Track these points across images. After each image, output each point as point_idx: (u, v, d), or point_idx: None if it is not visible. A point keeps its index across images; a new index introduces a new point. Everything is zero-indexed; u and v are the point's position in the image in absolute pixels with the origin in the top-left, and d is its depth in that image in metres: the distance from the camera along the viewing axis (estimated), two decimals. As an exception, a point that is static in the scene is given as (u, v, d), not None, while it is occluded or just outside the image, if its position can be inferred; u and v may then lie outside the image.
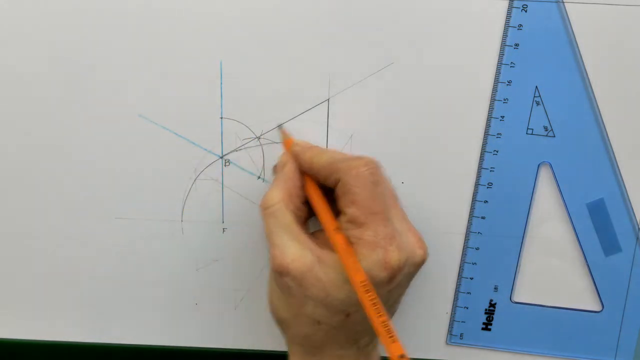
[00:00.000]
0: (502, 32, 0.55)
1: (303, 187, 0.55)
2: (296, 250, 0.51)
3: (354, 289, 0.48)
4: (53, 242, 0.62)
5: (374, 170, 0.50)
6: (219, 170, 0.60)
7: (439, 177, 0.59)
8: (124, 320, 0.65)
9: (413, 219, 0.58)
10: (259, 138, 0.59)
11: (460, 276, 0.62)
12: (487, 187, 0.59)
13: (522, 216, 0.60)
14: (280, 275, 0.51)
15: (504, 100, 0.57)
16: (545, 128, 0.57)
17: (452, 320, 0.64)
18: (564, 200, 0.59)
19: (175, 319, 0.65)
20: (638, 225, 0.59)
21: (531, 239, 0.61)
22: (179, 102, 0.58)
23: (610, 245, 0.60)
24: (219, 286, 0.63)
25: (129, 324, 0.65)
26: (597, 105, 0.56)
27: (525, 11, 0.54)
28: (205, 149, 0.59)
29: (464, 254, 0.62)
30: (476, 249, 0.61)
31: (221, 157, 0.59)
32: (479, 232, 0.61)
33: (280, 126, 0.58)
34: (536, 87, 0.57)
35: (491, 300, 0.63)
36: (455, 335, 0.64)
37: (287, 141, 0.57)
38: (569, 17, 0.54)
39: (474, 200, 0.60)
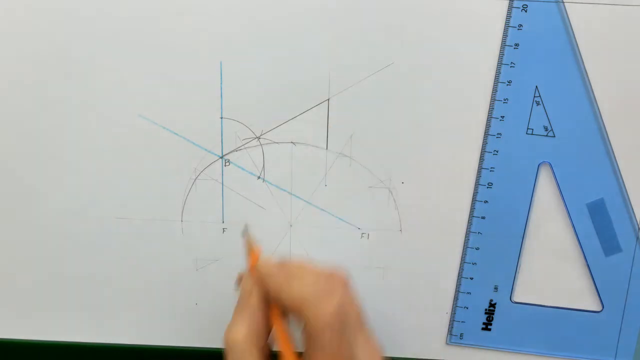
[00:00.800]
0: (502, 32, 0.55)
1: (269, 317, 0.52)
2: None
3: None
4: (53, 242, 0.62)
5: (341, 314, 0.48)
6: (219, 170, 0.60)
7: (439, 177, 0.59)
8: (124, 320, 0.65)
9: (413, 218, 0.59)
10: (259, 138, 0.59)
11: (460, 276, 0.62)
12: (487, 187, 0.59)
13: (522, 216, 0.60)
14: None
15: (504, 100, 0.57)
16: (545, 128, 0.57)
17: (452, 320, 0.64)
18: (564, 200, 0.59)
19: (175, 319, 0.65)
20: (638, 225, 0.59)
21: (531, 238, 0.61)
22: (179, 102, 0.58)
23: (610, 245, 0.60)
24: (219, 286, 0.64)
25: (129, 324, 0.65)
26: (597, 105, 0.56)
27: (525, 11, 0.54)
28: (205, 149, 0.59)
29: (464, 254, 0.62)
30: (476, 249, 0.61)
31: (221, 157, 0.59)
32: (479, 232, 0.61)
33: (244, 229, 0.58)
34: (536, 87, 0.57)
35: (491, 300, 0.63)
36: (455, 335, 0.64)
37: (252, 255, 0.54)
38: (569, 17, 0.54)
39: (474, 200, 0.60)
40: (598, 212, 0.59)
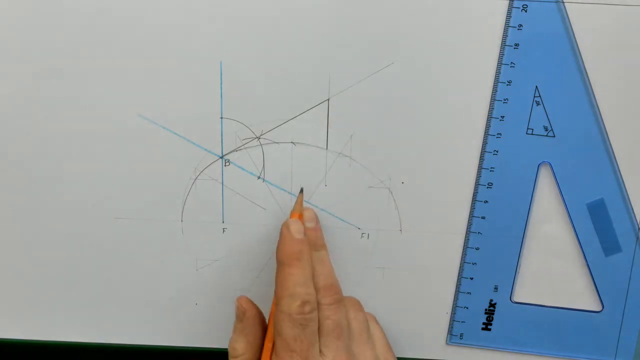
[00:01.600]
0: (502, 32, 0.55)
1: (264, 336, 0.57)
2: None
3: None
4: (53, 242, 0.62)
5: (307, 312, 0.53)
6: (219, 170, 0.60)
7: (439, 177, 0.59)
8: (124, 320, 0.65)
9: (413, 218, 0.59)
10: (259, 138, 0.59)
11: (460, 276, 0.62)
12: (487, 187, 0.59)
13: (522, 216, 0.60)
14: None
15: (504, 100, 0.57)
16: (545, 128, 0.57)
17: (452, 320, 0.64)
18: (564, 200, 0.59)
19: (175, 319, 0.65)
20: (638, 225, 0.59)
21: (531, 239, 0.61)
22: (179, 102, 0.58)
23: (610, 245, 0.60)
24: (219, 286, 0.64)
25: (129, 324, 0.65)
26: (597, 105, 0.57)
27: (525, 11, 0.54)
28: (205, 149, 0.59)
29: (464, 254, 0.62)
30: (476, 249, 0.61)
31: (221, 157, 0.59)
32: (479, 232, 0.61)
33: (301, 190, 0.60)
34: (536, 87, 0.57)
35: (491, 300, 0.63)
36: (455, 335, 0.64)
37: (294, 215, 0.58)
38: (569, 17, 0.54)
39: (474, 200, 0.60)
40: (598, 212, 0.59)
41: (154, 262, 0.63)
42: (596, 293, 0.62)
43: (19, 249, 0.63)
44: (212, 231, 0.62)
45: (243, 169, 0.60)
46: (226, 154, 0.59)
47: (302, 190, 0.60)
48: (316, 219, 0.59)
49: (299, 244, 0.54)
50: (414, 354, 0.64)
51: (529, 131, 0.58)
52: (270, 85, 0.58)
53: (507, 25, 0.55)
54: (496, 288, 0.62)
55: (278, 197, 0.60)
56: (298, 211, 0.58)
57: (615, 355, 0.63)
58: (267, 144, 0.59)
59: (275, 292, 0.54)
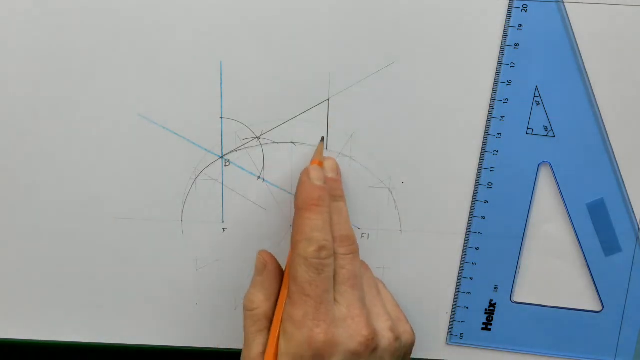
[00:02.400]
0: (502, 32, 0.55)
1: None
2: (261, 352, 0.54)
3: None
4: (53, 242, 0.62)
5: (323, 258, 0.53)
6: (219, 170, 0.60)
7: (439, 177, 0.59)
8: (124, 320, 0.65)
9: (413, 218, 0.59)
10: (259, 138, 0.59)
11: (460, 276, 0.62)
12: (487, 187, 0.59)
13: (522, 216, 0.60)
14: None
15: (504, 100, 0.57)
16: (545, 128, 0.57)
17: (452, 320, 0.64)
18: (564, 200, 0.59)
19: (175, 319, 0.65)
20: (638, 225, 0.59)
21: (531, 239, 0.61)
22: (179, 102, 0.58)
23: (610, 245, 0.60)
24: (219, 286, 0.64)
25: (129, 324, 0.65)
26: (597, 105, 0.57)
27: (525, 11, 0.54)
28: (205, 149, 0.59)
29: (464, 254, 0.62)
30: (476, 249, 0.61)
31: (221, 157, 0.59)
32: (479, 232, 0.61)
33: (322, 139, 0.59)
34: (536, 87, 0.57)
35: (491, 300, 0.63)
36: (455, 335, 0.64)
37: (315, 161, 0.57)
38: (569, 17, 0.54)
39: (474, 200, 0.60)
40: (598, 212, 0.59)
41: (154, 262, 0.63)
42: (596, 293, 0.62)
43: (18, 249, 0.63)
44: (212, 231, 0.62)
45: (243, 169, 0.60)
46: (226, 154, 0.59)
47: (322, 139, 0.59)
48: (337, 170, 0.59)
49: (318, 190, 0.54)
50: (414, 354, 0.64)
51: (529, 131, 0.58)
52: (270, 85, 0.58)
53: (507, 25, 0.55)
54: (496, 288, 0.62)
55: (278, 197, 0.61)
56: (319, 159, 0.57)
57: (615, 355, 0.63)
58: (267, 144, 0.59)
59: (292, 236, 0.53)
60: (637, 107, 0.56)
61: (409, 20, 0.55)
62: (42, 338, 0.66)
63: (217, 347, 0.66)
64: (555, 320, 0.63)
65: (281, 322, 0.53)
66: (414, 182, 0.60)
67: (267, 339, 0.54)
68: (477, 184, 0.59)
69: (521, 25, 0.55)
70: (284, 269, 0.56)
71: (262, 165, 0.60)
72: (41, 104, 0.58)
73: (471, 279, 0.62)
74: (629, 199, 0.59)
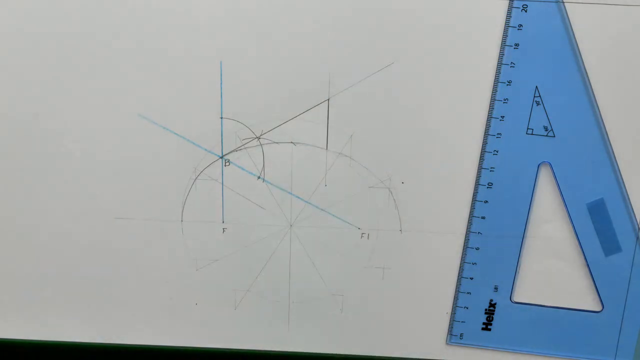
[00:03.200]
0: (502, 32, 0.55)
1: None
2: None
3: None
4: (53, 242, 0.63)
5: None
6: (219, 170, 0.60)
7: (439, 177, 0.60)
8: (124, 320, 0.65)
9: (413, 218, 0.59)
10: (259, 138, 0.59)
11: (460, 276, 0.63)
12: (487, 187, 0.59)
13: (522, 216, 0.60)
14: None
15: (504, 100, 0.57)
16: (545, 128, 0.57)
17: (452, 320, 0.64)
18: (564, 200, 0.59)
19: (175, 319, 0.65)
20: (638, 225, 0.59)
21: (531, 239, 0.61)
22: (179, 102, 0.58)
23: (610, 245, 0.60)
24: (219, 286, 0.64)
25: (129, 324, 0.65)
26: (597, 105, 0.57)
27: (525, 11, 0.54)
28: (205, 149, 0.59)
29: (464, 254, 0.62)
30: (476, 249, 0.61)
31: (221, 157, 0.60)
32: (479, 232, 0.61)
33: None
34: (536, 87, 0.57)
35: (491, 300, 0.63)
36: (455, 335, 0.64)
37: None
38: (569, 17, 0.54)
39: (474, 200, 0.60)
40: (598, 212, 0.59)
41: (154, 262, 0.63)
42: (596, 293, 0.62)
43: (19, 249, 0.63)
44: (212, 231, 0.62)
45: (243, 169, 0.60)
46: (226, 154, 0.59)
47: None
48: None
49: None
50: (414, 354, 0.65)
51: (529, 131, 0.58)
52: (270, 85, 0.58)
53: (507, 25, 0.55)
54: (496, 288, 0.62)
55: (278, 197, 0.61)
56: None
57: (615, 355, 0.63)
58: (267, 144, 0.59)
59: None
60: (637, 107, 0.57)
61: (408, 20, 0.55)
62: (42, 338, 0.66)
63: (217, 347, 0.66)
64: (555, 320, 0.63)
65: None
66: (414, 182, 0.60)
67: None
68: (477, 184, 0.60)
69: (521, 25, 0.55)
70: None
71: (262, 165, 0.60)
72: (41, 104, 0.58)
73: (471, 279, 0.62)
74: (629, 199, 0.59)
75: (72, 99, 0.58)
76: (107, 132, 0.59)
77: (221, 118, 0.58)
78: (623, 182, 0.59)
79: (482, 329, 0.64)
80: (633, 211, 0.59)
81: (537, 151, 0.58)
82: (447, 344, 0.65)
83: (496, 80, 0.57)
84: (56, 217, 0.62)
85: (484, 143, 0.58)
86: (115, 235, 0.62)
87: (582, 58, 0.56)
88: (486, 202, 0.60)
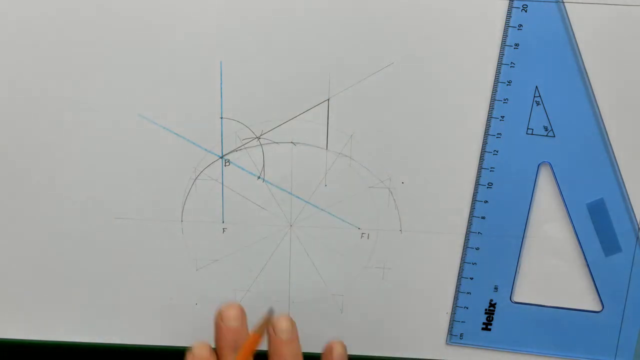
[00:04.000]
0: (502, 32, 0.55)
1: None
2: None
3: None
4: (53, 242, 0.63)
5: None
6: (219, 170, 0.60)
7: (439, 177, 0.60)
8: (124, 320, 0.65)
9: (413, 218, 0.59)
10: (259, 138, 0.59)
11: (460, 276, 0.63)
12: (487, 187, 0.59)
13: (522, 216, 0.60)
14: None
15: (504, 100, 0.57)
16: (545, 128, 0.58)
17: (452, 320, 0.64)
18: (564, 200, 0.60)
19: (175, 319, 0.65)
20: (638, 225, 0.59)
21: (531, 239, 0.61)
22: (179, 102, 0.58)
23: (610, 245, 0.60)
24: (219, 286, 0.64)
25: (129, 324, 0.65)
26: (597, 105, 0.57)
27: (525, 11, 0.55)
28: (205, 149, 0.59)
29: (464, 254, 0.62)
30: (476, 249, 0.61)
31: (221, 157, 0.60)
32: (479, 232, 0.61)
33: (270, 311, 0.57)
34: (536, 87, 0.57)
35: (491, 300, 0.63)
36: (455, 335, 0.65)
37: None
38: (569, 17, 0.55)
39: (474, 200, 0.60)
40: (598, 212, 0.59)
41: (154, 262, 0.63)
42: (596, 293, 0.62)
43: (19, 249, 0.63)
44: (212, 231, 0.62)
45: (243, 169, 0.60)
46: (226, 154, 0.60)
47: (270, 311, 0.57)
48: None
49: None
50: (413, 354, 0.65)
51: (529, 131, 0.58)
52: (270, 85, 0.58)
53: (507, 25, 0.55)
54: (496, 288, 0.62)
55: (278, 197, 0.61)
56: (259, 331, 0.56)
57: (615, 355, 0.63)
58: (267, 144, 0.59)
59: None
60: (637, 107, 0.57)
61: (408, 20, 0.56)
62: (42, 338, 0.66)
63: (217, 347, 0.66)
64: (555, 320, 0.63)
65: None
66: (414, 182, 0.60)
67: None
68: (477, 184, 0.60)
69: (521, 25, 0.55)
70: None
71: (262, 165, 0.60)
72: (41, 104, 0.58)
73: (471, 279, 0.62)
74: (629, 198, 0.59)
75: (72, 99, 0.58)
76: (107, 132, 0.59)
77: (221, 118, 0.59)
78: (623, 182, 0.59)
79: (482, 329, 0.64)
80: (633, 211, 0.59)
81: (537, 151, 0.59)
82: (447, 344, 0.65)
83: (496, 80, 0.57)
84: (56, 217, 0.62)
85: (484, 143, 0.59)
86: (115, 235, 0.62)
87: (582, 58, 0.56)
88: (486, 202, 0.60)
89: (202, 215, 0.61)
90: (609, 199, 0.59)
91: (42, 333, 0.66)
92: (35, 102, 0.58)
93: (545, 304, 0.63)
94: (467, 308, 0.64)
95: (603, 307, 0.62)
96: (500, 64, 0.56)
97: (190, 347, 0.53)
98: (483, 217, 0.61)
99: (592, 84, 0.56)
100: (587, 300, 0.62)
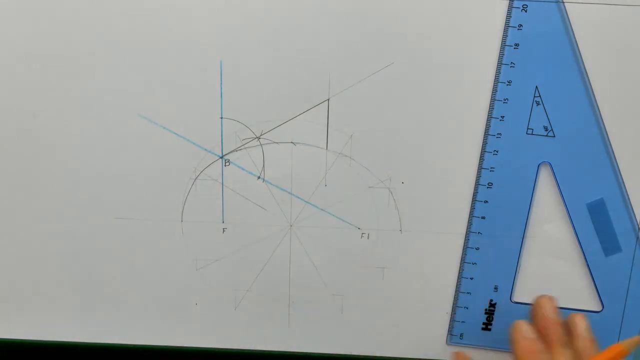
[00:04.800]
0: (502, 32, 0.56)
1: None
2: None
3: None
4: (53, 242, 0.63)
5: None
6: (219, 170, 0.60)
7: (439, 177, 0.60)
8: (124, 320, 0.66)
9: (413, 218, 0.59)
10: (259, 138, 0.59)
11: (460, 276, 0.63)
12: (487, 187, 0.60)
13: (522, 216, 0.61)
14: None
15: (504, 100, 0.58)
16: (545, 128, 0.58)
17: (452, 320, 0.64)
18: (564, 200, 0.60)
19: (175, 319, 0.65)
20: (638, 225, 0.60)
21: (531, 239, 0.62)
22: (179, 102, 0.59)
23: (610, 245, 0.61)
24: (219, 286, 0.64)
25: (129, 324, 0.66)
26: (597, 105, 0.57)
27: (525, 11, 0.55)
28: (205, 149, 0.60)
29: (464, 254, 0.62)
30: (476, 249, 0.62)
31: (221, 157, 0.60)
32: (479, 232, 0.61)
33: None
34: (536, 87, 0.57)
35: (491, 301, 0.63)
36: (455, 335, 0.65)
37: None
38: (569, 17, 0.55)
39: (474, 200, 0.61)
40: (598, 212, 0.60)
41: (154, 262, 0.63)
42: (596, 293, 0.62)
43: (19, 249, 0.63)
44: (212, 231, 0.62)
45: (243, 169, 0.60)
46: (226, 154, 0.60)
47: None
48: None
49: None
50: (414, 354, 0.65)
51: (529, 131, 0.58)
52: (270, 85, 0.58)
53: (507, 25, 0.56)
54: (496, 288, 0.63)
55: (278, 197, 0.61)
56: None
57: (616, 355, 0.63)
58: (267, 144, 0.59)
59: None
60: (637, 107, 0.57)
61: (408, 20, 0.56)
62: (42, 338, 0.66)
63: (217, 347, 0.66)
64: (555, 321, 0.63)
65: None
66: (414, 182, 0.60)
67: None
68: (477, 184, 0.60)
69: (521, 25, 0.56)
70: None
71: (262, 165, 0.60)
72: (41, 104, 0.59)
73: (471, 279, 0.63)
74: (629, 199, 0.59)
75: (71, 99, 0.58)
76: (107, 132, 0.59)
77: (221, 118, 0.59)
78: (623, 182, 0.59)
79: (482, 329, 0.65)
80: (633, 211, 0.60)
81: (537, 151, 0.59)
82: (447, 344, 0.65)
83: (496, 80, 0.57)
84: (56, 217, 0.62)
85: (484, 143, 0.59)
86: (115, 235, 0.62)
87: (582, 58, 0.56)
88: (486, 202, 0.60)
89: (202, 215, 0.62)
90: (609, 199, 0.60)
91: (42, 333, 0.66)
92: (35, 102, 0.59)
93: (546, 304, 0.63)
94: (467, 308, 0.64)
95: (603, 307, 0.62)
96: (500, 64, 0.57)
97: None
98: (483, 217, 0.61)
99: (592, 84, 0.57)
100: (587, 300, 0.63)
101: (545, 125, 0.58)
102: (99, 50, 0.57)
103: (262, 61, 0.58)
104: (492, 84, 0.57)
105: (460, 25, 0.56)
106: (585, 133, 0.58)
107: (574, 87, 0.57)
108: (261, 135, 0.59)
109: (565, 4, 0.55)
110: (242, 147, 0.60)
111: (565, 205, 0.60)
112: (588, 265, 0.61)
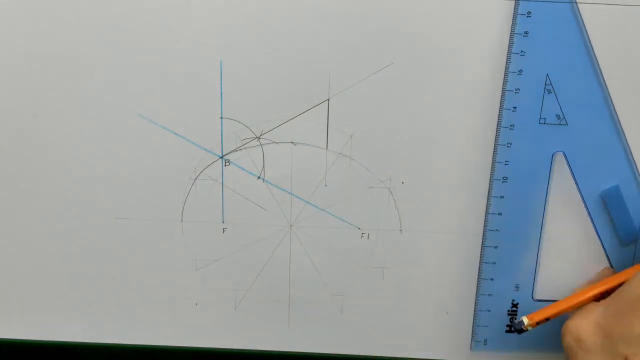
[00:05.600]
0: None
1: None
2: None
3: None
4: (53, 242, 0.64)
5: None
6: (219, 170, 0.61)
7: (439, 177, 0.60)
8: (124, 320, 0.67)
9: (413, 218, 0.59)
10: (259, 138, 0.60)
11: (480, 278, 0.63)
12: (503, 182, 0.60)
13: (539, 209, 0.60)
14: None
15: (516, 90, 0.57)
16: (558, 116, 0.58)
17: (475, 326, 0.64)
18: (579, 190, 0.59)
19: (175, 319, 0.66)
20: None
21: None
22: (178, 102, 0.60)
23: (627, 233, 0.60)
24: (219, 286, 0.65)
25: (129, 324, 0.67)
26: (609, 91, 0.57)
27: (534, -1, 0.55)
28: (205, 149, 0.60)
29: (482, 254, 0.62)
30: (494, 247, 0.61)
31: (221, 157, 0.61)
32: (496, 230, 0.61)
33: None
34: (547, 75, 0.57)
35: (513, 301, 0.63)
36: (479, 342, 0.65)
37: None
38: (577, 3, 0.54)
39: (489, 196, 0.60)
40: (613, 200, 0.59)
41: (154, 262, 0.64)
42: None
43: (19, 249, 0.65)
44: (212, 231, 0.63)
45: (243, 169, 0.61)
46: (226, 154, 0.60)
47: None
48: None
49: None
50: (413, 354, 0.64)
51: (542, 120, 0.58)
52: (270, 85, 0.59)
53: (515, 12, 0.55)
54: (517, 287, 0.62)
55: (278, 197, 0.62)
56: None
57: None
58: (267, 144, 0.60)
59: None
60: (649, 90, 0.57)
61: (408, 20, 0.56)
62: (42, 338, 0.68)
63: (217, 347, 0.67)
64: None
65: None
66: (414, 182, 0.61)
67: None
68: (492, 178, 0.60)
69: (530, 12, 0.55)
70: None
71: (262, 165, 0.61)
72: (41, 104, 0.60)
73: (491, 279, 0.62)
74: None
75: (71, 99, 0.60)
76: (108, 132, 0.60)
77: (221, 118, 0.59)
78: (637, 167, 0.58)
79: (507, 331, 0.64)
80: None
81: (550, 141, 0.58)
82: (471, 351, 0.65)
83: (507, 70, 0.57)
84: (56, 217, 0.63)
85: (497, 136, 0.59)
86: (115, 235, 0.64)
87: (591, 44, 0.56)
88: (502, 197, 0.60)
89: (202, 215, 0.63)
90: (624, 185, 0.59)
91: (42, 333, 0.68)
92: (35, 102, 0.60)
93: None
94: (490, 311, 0.63)
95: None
96: (510, 53, 0.56)
97: None
98: (500, 214, 0.60)
99: (602, 70, 0.56)
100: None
101: (558, 113, 0.57)
102: (99, 50, 0.58)
103: (262, 61, 0.58)
104: (491, 84, 0.57)
105: (461, 25, 0.56)
106: (597, 119, 0.57)
107: (585, 74, 0.56)
108: (261, 135, 0.60)
109: (573, -11, 0.55)
110: (242, 147, 0.60)
111: (581, 194, 0.59)
112: (607, 255, 0.61)
